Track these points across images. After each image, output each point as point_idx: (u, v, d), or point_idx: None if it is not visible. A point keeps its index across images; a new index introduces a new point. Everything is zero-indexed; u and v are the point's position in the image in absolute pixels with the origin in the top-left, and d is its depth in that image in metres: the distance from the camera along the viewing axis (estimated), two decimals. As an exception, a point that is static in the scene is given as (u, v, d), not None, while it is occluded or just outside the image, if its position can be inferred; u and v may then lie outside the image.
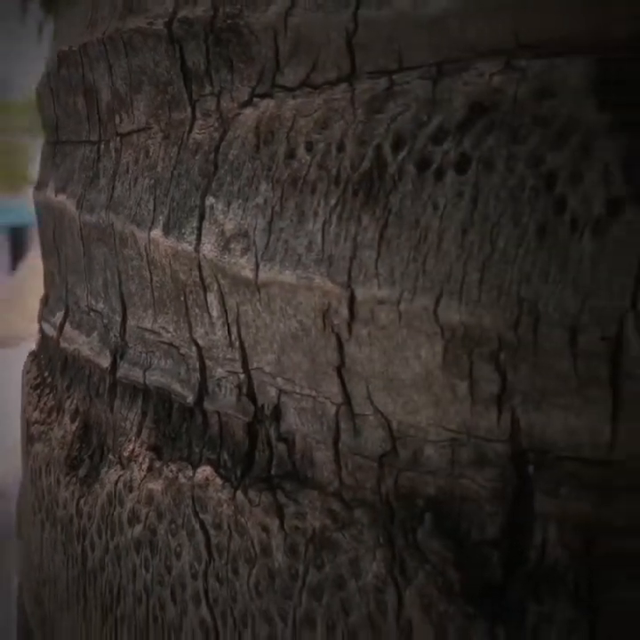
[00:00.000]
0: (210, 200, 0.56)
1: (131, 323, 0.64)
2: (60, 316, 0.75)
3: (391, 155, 0.48)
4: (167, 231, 0.59)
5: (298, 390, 0.52)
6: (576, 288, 0.43)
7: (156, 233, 0.60)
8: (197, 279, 0.57)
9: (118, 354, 0.66)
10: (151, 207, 0.61)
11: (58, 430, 0.71)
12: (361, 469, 0.50)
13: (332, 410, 0.51)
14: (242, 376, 0.55)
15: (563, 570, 0.46)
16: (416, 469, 0.48)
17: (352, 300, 0.49)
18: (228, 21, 0.54)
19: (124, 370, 0.65)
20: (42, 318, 0.82)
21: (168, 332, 0.60)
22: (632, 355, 0.43)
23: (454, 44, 0.46)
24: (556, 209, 0.44)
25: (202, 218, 0.57)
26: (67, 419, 0.71)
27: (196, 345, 0.58)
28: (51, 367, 0.77)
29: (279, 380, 0.53)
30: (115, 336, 0.66)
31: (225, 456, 0.56)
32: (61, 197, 0.74)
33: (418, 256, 0.47)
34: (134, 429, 0.64)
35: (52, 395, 0.75)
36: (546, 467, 0.46)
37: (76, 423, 0.69)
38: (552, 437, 0.45)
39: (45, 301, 0.83)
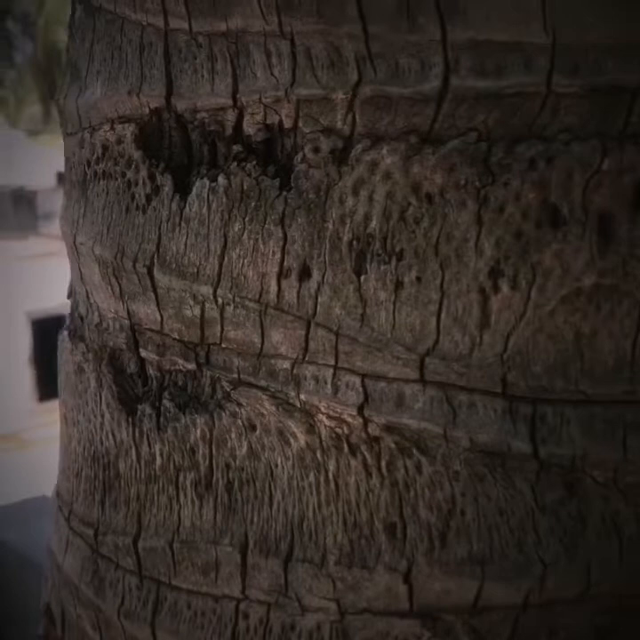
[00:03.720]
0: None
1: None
2: None
3: (87, 168, 0.89)
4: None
5: (79, 290, 0.96)
6: (134, 239, 0.83)
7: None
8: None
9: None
10: None
11: None
12: (93, 331, 0.93)
13: (86, 301, 0.94)
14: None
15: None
16: (107, 333, 0.90)
17: (75, 241, 0.91)
18: (58, 102, 0.97)
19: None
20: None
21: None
22: (157, 277, 0.81)
23: (102, 114, 0.86)
24: (131, 198, 0.83)
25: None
26: None
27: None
28: None
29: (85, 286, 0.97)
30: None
31: (73, 328, 1.00)
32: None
33: (93, 222, 0.88)
34: None
35: None
36: (140, 333, 0.86)
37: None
38: (143, 321, 0.85)
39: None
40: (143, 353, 0.84)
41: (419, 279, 0.70)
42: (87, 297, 0.91)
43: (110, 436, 0.88)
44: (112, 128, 0.82)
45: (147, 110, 0.79)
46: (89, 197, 0.87)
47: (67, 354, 0.96)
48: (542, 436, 0.70)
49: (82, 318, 0.94)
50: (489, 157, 0.67)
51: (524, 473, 0.71)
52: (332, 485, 0.75)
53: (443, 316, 0.70)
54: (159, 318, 0.82)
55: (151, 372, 0.85)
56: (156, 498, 0.85)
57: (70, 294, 1.00)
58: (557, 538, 0.71)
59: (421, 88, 0.68)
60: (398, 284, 0.71)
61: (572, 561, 0.71)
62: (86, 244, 0.87)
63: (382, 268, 0.71)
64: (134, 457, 0.86)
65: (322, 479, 0.75)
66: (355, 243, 0.71)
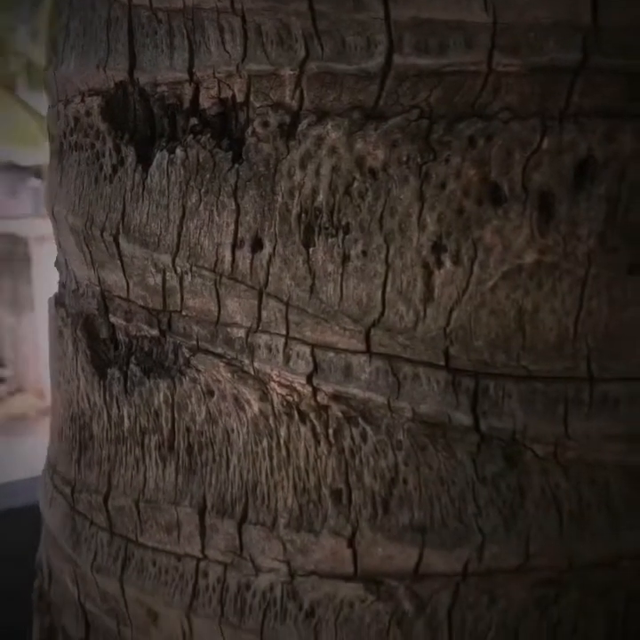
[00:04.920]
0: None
1: None
2: None
3: (63, 139, 0.91)
4: None
5: (60, 258, 0.98)
6: (102, 208, 0.85)
7: None
8: None
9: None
10: None
11: None
12: (71, 297, 0.95)
13: (65, 268, 0.96)
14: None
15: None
16: (83, 299, 0.93)
17: (53, 212, 0.93)
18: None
19: None
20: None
21: None
22: (123, 245, 0.84)
23: (73, 88, 0.87)
24: (100, 169, 0.85)
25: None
26: None
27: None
28: None
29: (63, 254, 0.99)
30: None
31: (58, 295, 1.03)
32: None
33: (67, 192, 0.90)
34: None
35: None
36: (110, 300, 0.88)
37: None
38: (112, 288, 0.87)
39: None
40: (113, 319, 0.87)
41: (364, 252, 0.71)
42: (66, 264, 0.94)
43: (85, 399, 0.91)
44: (82, 100, 0.84)
45: (112, 84, 0.81)
46: (64, 168, 0.89)
47: (51, 319, 0.99)
48: (483, 409, 0.71)
49: (63, 285, 0.97)
50: (430, 134, 0.68)
51: (465, 444, 0.72)
52: (284, 451, 0.77)
53: (388, 289, 0.71)
54: (125, 285, 0.84)
55: (120, 337, 0.87)
56: (124, 459, 0.88)
57: (56, 262, 1.03)
58: (497, 509, 0.72)
59: (366, 65, 0.68)
60: (345, 257, 0.72)
61: (511, 532, 0.72)
62: (61, 213, 0.89)
63: (330, 240, 0.72)
64: (106, 419, 0.89)
65: (274, 445, 0.77)
66: (303, 215, 0.72)
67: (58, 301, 0.97)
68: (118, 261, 0.83)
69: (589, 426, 0.70)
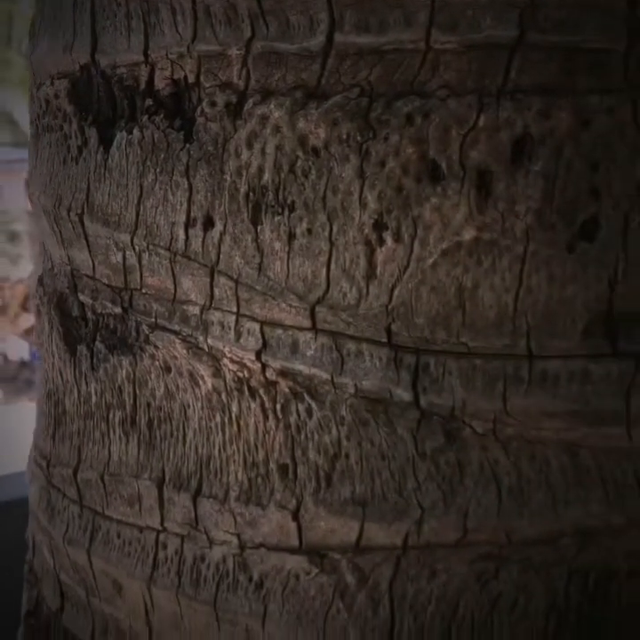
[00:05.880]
0: None
1: None
2: None
3: (37, 122, 0.92)
4: None
5: (40, 238, 0.99)
6: (69, 188, 0.86)
7: None
8: None
9: None
10: None
11: None
12: (48, 277, 0.96)
13: (43, 247, 0.98)
14: None
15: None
16: (57, 278, 0.94)
17: (29, 192, 0.95)
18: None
19: None
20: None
21: None
22: (87, 225, 0.84)
23: (45, 72, 0.88)
24: (67, 150, 0.86)
25: None
26: None
27: None
28: None
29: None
30: None
31: (40, 275, 1.04)
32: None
33: (40, 173, 0.91)
34: None
35: None
36: (78, 278, 0.89)
37: None
38: (80, 267, 0.88)
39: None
40: (81, 297, 0.87)
41: (309, 230, 0.71)
42: (43, 245, 0.95)
43: (59, 375, 0.92)
44: (52, 83, 0.85)
45: (77, 66, 0.82)
46: (38, 150, 0.90)
47: (33, 298, 1.00)
48: (424, 386, 0.71)
49: (43, 265, 0.98)
50: (369, 113, 0.68)
51: (405, 420, 0.71)
52: (235, 426, 0.77)
53: (332, 266, 0.71)
54: (91, 264, 0.84)
55: (89, 315, 0.88)
56: (92, 433, 0.88)
57: (39, 243, 1.04)
58: (436, 484, 0.72)
59: (308, 44, 0.68)
60: (291, 235, 0.72)
61: (450, 507, 0.72)
62: (35, 194, 0.90)
63: (276, 219, 0.72)
64: (76, 394, 0.90)
65: (226, 420, 0.78)
66: (251, 194, 0.72)
67: (39, 281, 0.98)
68: (84, 241, 0.84)
69: (528, 403, 0.69)
